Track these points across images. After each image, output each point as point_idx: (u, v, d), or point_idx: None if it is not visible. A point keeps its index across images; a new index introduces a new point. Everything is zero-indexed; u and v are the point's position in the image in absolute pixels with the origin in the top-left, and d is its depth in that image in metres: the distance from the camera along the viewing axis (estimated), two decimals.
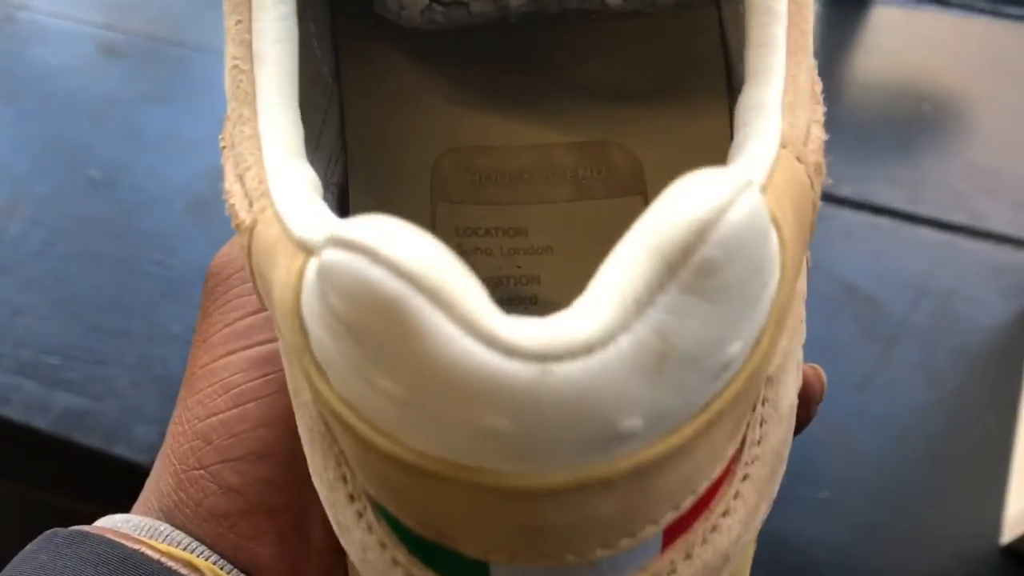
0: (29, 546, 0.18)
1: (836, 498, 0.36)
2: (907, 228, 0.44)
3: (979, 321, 0.40)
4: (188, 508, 0.19)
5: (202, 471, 0.19)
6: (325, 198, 0.14)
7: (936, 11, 0.54)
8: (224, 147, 0.15)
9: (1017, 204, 0.44)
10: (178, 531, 0.19)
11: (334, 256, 0.10)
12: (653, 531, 0.11)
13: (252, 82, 0.14)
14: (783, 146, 0.13)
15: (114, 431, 0.38)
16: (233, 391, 0.19)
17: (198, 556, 0.18)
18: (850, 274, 0.42)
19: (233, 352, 0.19)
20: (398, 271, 0.09)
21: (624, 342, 0.09)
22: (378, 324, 0.10)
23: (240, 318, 0.20)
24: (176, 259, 0.44)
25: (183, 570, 0.18)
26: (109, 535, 0.18)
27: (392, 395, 0.10)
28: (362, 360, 0.10)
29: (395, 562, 0.12)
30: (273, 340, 0.19)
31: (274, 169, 0.13)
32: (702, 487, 0.12)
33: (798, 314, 0.15)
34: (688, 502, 0.12)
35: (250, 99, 0.14)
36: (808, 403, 0.20)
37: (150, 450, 0.38)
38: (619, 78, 0.20)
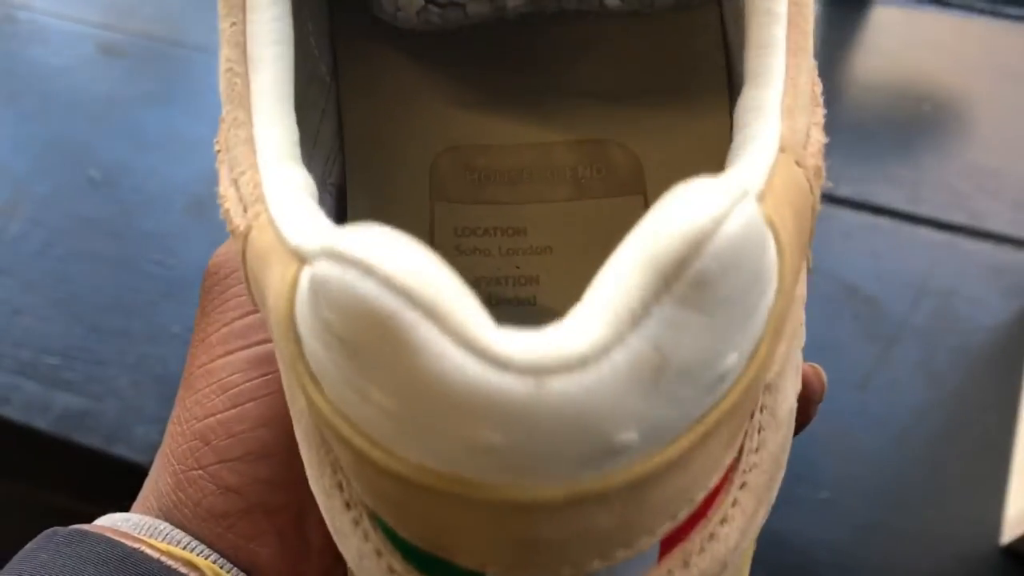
0: (29, 545, 0.18)
1: (836, 498, 0.36)
2: (907, 228, 0.44)
3: (979, 321, 0.40)
4: (187, 508, 0.19)
5: (201, 471, 0.19)
6: (322, 198, 0.14)
7: (936, 11, 0.54)
8: (219, 150, 0.15)
9: (1017, 204, 0.44)
10: (178, 530, 0.19)
11: (327, 269, 0.10)
12: (650, 542, 0.11)
13: (247, 85, 0.14)
14: (782, 150, 0.13)
15: (114, 431, 0.38)
16: (231, 391, 0.19)
17: (198, 555, 0.18)
18: (850, 274, 0.42)
19: (231, 352, 0.19)
20: (391, 284, 0.09)
21: (619, 356, 0.09)
22: (371, 338, 0.10)
23: (238, 318, 0.20)
24: (176, 259, 0.44)
25: (183, 569, 0.18)
26: (109, 534, 0.18)
27: (386, 408, 0.10)
28: (355, 373, 0.10)
29: (391, 570, 0.12)
30: (271, 340, 0.19)
31: (269, 174, 0.13)
32: (699, 497, 0.12)
33: (797, 318, 0.15)
34: (685, 512, 0.12)
35: (245, 102, 0.14)
36: (808, 403, 0.20)
37: (150, 450, 0.38)
38: (619, 77, 0.20)
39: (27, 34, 0.55)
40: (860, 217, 0.44)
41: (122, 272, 0.44)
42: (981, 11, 0.53)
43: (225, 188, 0.14)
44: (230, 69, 0.15)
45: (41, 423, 0.39)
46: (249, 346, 0.19)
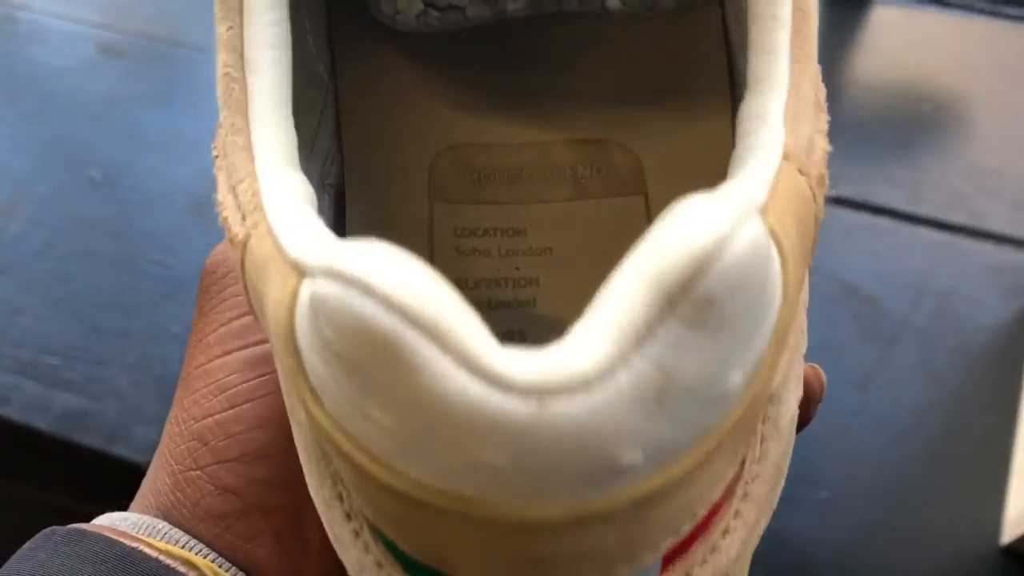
0: (27, 544, 0.18)
1: (836, 498, 0.36)
2: (907, 228, 0.44)
3: (979, 321, 0.40)
4: (185, 508, 0.19)
5: (199, 472, 0.19)
6: (321, 200, 0.13)
7: (936, 11, 0.54)
8: (217, 156, 0.15)
9: (1017, 204, 0.44)
10: (176, 529, 0.19)
11: (327, 288, 0.10)
12: (653, 557, 0.11)
13: (244, 90, 0.14)
14: (785, 158, 0.12)
15: (114, 431, 0.38)
16: (228, 392, 0.19)
17: (196, 554, 0.18)
18: (850, 274, 0.42)
19: (228, 352, 0.19)
20: (391, 305, 0.09)
21: (623, 377, 0.09)
22: (371, 358, 0.09)
23: (235, 318, 0.20)
24: (176, 259, 0.44)
25: (181, 568, 0.18)
26: (107, 533, 0.18)
27: (386, 426, 0.10)
28: (355, 391, 0.10)
29: None
30: (268, 340, 0.19)
31: (267, 182, 0.13)
32: (702, 511, 0.12)
33: (800, 327, 0.15)
34: (688, 527, 0.11)
35: (242, 108, 0.14)
36: (808, 403, 0.20)
37: (150, 450, 0.38)
38: (619, 78, 0.20)
39: (27, 34, 0.55)
40: (860, 217, 0.44)
41: (122, 272, 0.44)
42: (981, 11, 0.53)
43: (223, 195, 0.14)
44: (227, 74, 0.14)
45: (41, 423, 0.39)
46: (246, 346, 0.19)
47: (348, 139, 0.20)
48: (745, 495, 0.13)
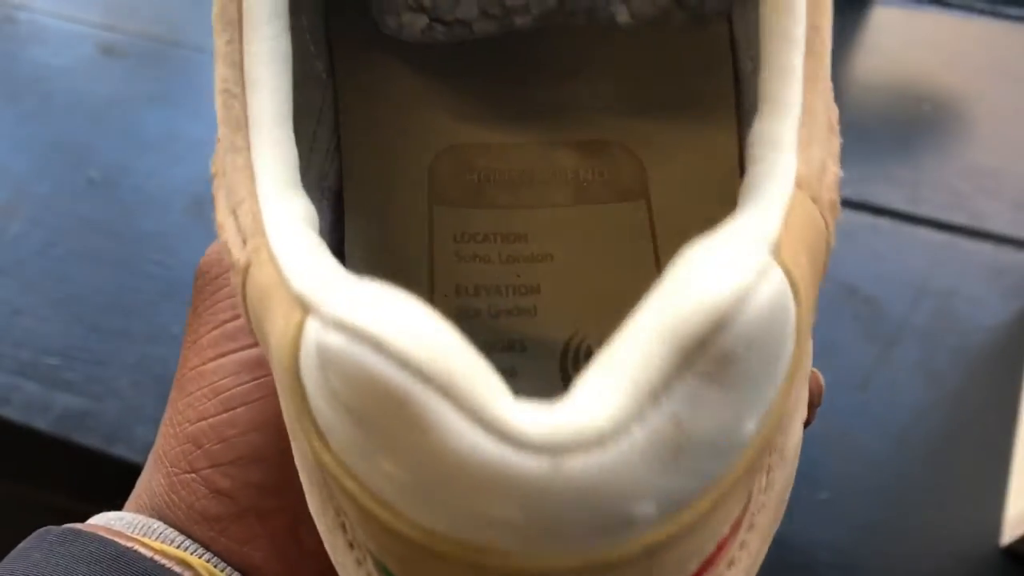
0: (21, 544, 0.18)
1: (836, 498, 0.36)
2: (907, 228, 0.44)
3: (979, 321, 0.40)
4: (180, 510, 0.19)
5: (193, 475, 0.19)
6: (319, 204, 0.13)
7: (936, 11, 0.54)
8: (215, 174, 0.14)
9: (1017, 204, 0.44)
10: (171, 529, 0.19)
11: (336, 341, 0.10)
12: None
13: (244, 107, 0.14)
14: (798, 186, 0.12)
15: (114, 431, 0.38)
16: (223, 395, 0.19)
17: (192, 554, 0.18)
18: (850, 274, 0.42)
19: (223, 355, 0.19)
20: (403, 361, 0.09)
21: (638, 433, 0.09)
22: (383, 414, 0.09)
23: (229, 319, 0.20)
24: (176, 259, 0.44)
25: (176, 568, 0.18)
26: (102, 533, 0.18)
27: (396, 477, 0.10)
28: (364, 440, 0.10)
29: None
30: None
31: (268, 205, 0.13)
32: (710, 549, 0.11)
33: (807, 355, 0.15)
34: (695, 565, 0.11)
35: (242, 126, 0.14)
36: (807, 408, 0.20)
37: (149, 450, 0.38)
38: (623, 90, 0.20)
39: (27, 34, 0.56)
40: (860, 217, 0.44)
41: (122, 272, 0.44)
42: (981, 11, 0.53)
43: (223, 217, 0.13)
44: (226, 90, 0.14)
45: (41, 423, 0.39)
46: (241, 349, 0.19)
47: (347, 143, 0.19)
48: (751, 526, 0.13)
